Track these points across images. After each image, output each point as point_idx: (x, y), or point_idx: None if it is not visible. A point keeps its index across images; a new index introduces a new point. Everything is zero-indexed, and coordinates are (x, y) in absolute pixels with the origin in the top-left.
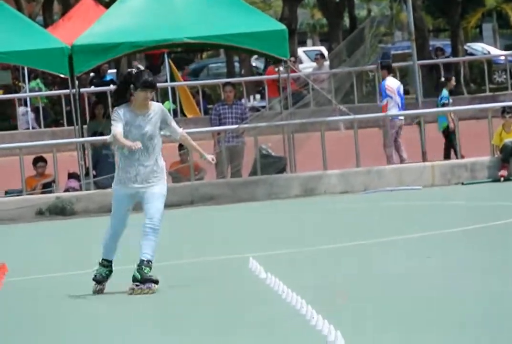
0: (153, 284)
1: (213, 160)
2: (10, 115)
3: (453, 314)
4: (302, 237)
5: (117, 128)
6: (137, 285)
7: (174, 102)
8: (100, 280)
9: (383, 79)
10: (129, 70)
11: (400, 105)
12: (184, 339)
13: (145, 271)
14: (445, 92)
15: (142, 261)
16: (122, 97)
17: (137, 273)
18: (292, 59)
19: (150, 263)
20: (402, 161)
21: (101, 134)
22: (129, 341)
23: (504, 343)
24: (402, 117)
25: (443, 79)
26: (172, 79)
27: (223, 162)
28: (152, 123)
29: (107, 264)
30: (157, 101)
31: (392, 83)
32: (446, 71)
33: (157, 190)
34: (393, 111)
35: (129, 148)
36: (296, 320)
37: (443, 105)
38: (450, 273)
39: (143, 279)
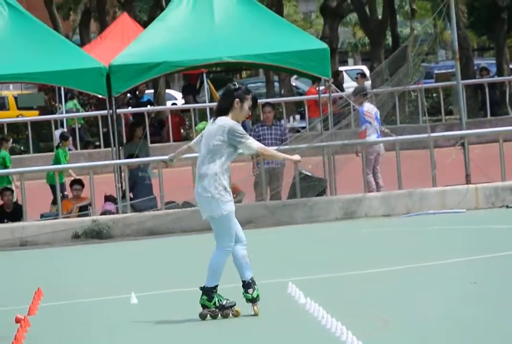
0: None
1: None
2: (47, 136)
3: (495, 342)
4: (343, 261)
5: (257, 143)
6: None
7: None
8: (234, 302)
9: (360, 105)
10: (232, 84)
11: (378, 130)
12: None
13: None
14: None
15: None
16: (226, 111)
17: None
18: (331, 80)
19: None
20: (378, 188)
21: (137, 156)
22: None
23: None
24: (382, 144)
25: None
26: (211, 99)
27: (262, 184)
28: None
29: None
30: (195, 122)
31: (370, 109)
32: (491, 91)
33: None
34: (373, 137)
35: (296, 161)
36: (328, 338)
37: None
38: (495, 299)
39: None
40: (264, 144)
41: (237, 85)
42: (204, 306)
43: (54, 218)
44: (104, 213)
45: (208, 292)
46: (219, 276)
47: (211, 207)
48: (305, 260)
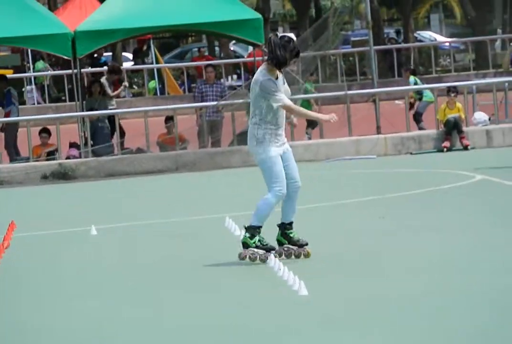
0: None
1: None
2: (19, 92)
3: (403, 266)
4: None
5: (287, 100)
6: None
7: (160, 81)
8: (273, 247)
9: None
10: (274, 33)
11: None
12: (167, 291)
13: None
14: None
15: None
16: (284, 64)
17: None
18: (263, 45)
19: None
20: None
21: (96, 109)
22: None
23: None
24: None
25: None
26: (157, 62)
27: (204, 133)
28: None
29: (260, 231)
30: (144, 82)
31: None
32: (398, 55)
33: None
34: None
35: (326, 121)
36: (265, 271)
37: None
38: (401, 232)
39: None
40: (207, 100)
41: (279, 35)
42: (244, 245)
43: (26, 162)
44: (68, 157)
45: (257, 231)
46: (265, 219)
47: (254, 152)
48: (241, 198)
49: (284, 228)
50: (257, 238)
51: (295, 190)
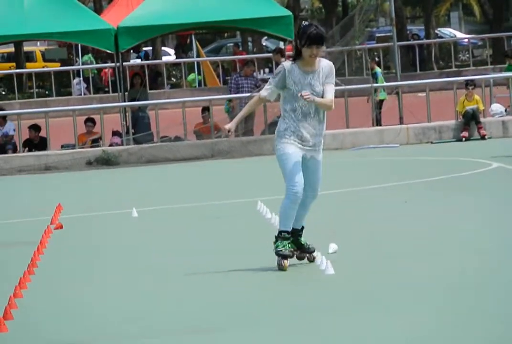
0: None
1: None
2: (67, 83)
3: (432, 246)
4: None
5: (262, 93)
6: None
7: (199, 74)
8: (288, 255)
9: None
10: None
11: None
12: (201, 262)
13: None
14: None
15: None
16: (297, 54)
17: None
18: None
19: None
20: None
21: (138, 100)
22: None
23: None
24: None
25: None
26: (198, 55)
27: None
28: (321, 82)
29: (288, 236)
30: (184, 74)
31: None
32: (420, 51)
33: (320, 158)
34: None
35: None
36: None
37: None
38: (425, 216)
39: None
40: (242, 91)
41: (302, 25)
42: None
43: (72, 148)
44: (111, 145)
45: (277, 235)
46: (285, 222)
47: (274, 146)
48: (272, 183)
49: (297, 234)
50: (277, 243)
51: (310, 200)
